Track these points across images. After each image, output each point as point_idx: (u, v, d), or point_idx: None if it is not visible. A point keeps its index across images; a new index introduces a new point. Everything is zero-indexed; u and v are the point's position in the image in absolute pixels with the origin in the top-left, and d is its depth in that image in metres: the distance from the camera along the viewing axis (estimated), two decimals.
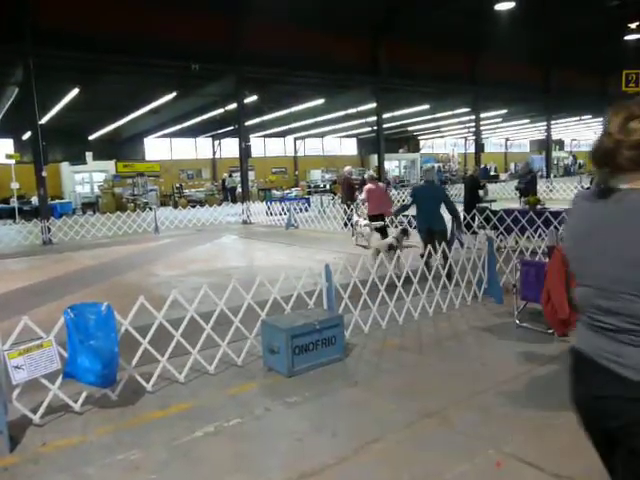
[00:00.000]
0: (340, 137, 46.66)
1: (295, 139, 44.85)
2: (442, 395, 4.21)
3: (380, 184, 13.11)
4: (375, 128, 24.97)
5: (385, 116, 26.33)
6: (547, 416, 3.78)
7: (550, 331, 5.40)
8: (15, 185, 23.72)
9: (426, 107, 29.54)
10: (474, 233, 11.30)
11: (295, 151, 45.63)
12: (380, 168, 24.93)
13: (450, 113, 32.65)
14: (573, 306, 5.14)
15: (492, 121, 38.22)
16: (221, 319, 4.94)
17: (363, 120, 27.60)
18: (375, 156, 32.02)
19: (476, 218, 11.83)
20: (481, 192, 13.13)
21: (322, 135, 44.27)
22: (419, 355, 5.17)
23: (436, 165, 40.66)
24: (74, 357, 3.92)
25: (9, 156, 23.43)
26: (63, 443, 3.70)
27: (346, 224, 15.31)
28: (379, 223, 11.39)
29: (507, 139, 56.47)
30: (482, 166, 34.99)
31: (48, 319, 4.32)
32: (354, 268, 5.94)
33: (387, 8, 20.76)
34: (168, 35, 17.41)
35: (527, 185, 13.36)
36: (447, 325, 6.08)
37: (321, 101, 25.15)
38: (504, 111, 33.80)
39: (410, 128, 41.06)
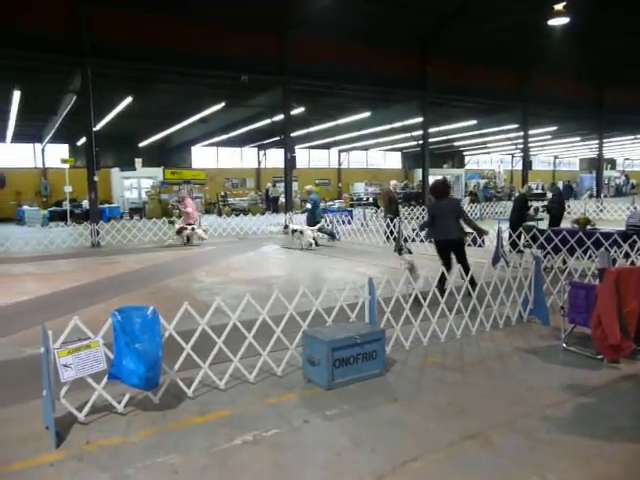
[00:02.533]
0: (384, 150, 46.61)
1: (339, 151, 45.06)
2: (484, 416, 4.10)
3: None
4: (420, 142, 24.82)
5: (431, 130, 26.16)
6: (595, 445, 3.63)
7: (599, 357, 5.20)
8: (68, 189, 24.64)
9: (473, 122, 29.24)
10: (520, 252, 11.04)
11: (339, 163, 45.81)
12: (424, 183, 24.73)
13: (498, 129, 32.20)
14: (625, 332, 4.98)
15: (541, 138, 37.46)
16: (262, 328, 4.95)
17: (408, 134, 27.45)
18: (419, 170, 31.85)
19: (522, 236, 11.59)
20: (531, 211, 12.91)
21: (366, 148, 44.34)
22: (461, 374, 5.05)
23: (481, 181, 40.01)
24: (120, 359, 4.01)
25: (64, 161, 24.37)
26: (106, 442, 3.77)
27: (388, 238, 15.21)
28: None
29: (556, 157, 55.17)
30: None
31: (95, 320, 4.44)
32: (397, 282, 5.87)
33: (435, 23, 20.70)
34: (219, 47, 17.86)
35: (553, 206, 13.34)
36: (491, 345, 5.93)
37: (367, 114, 25.21)
38: (554, 128, 33.10)
39: (456, 143, 40.70)
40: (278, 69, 19.27)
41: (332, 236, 16.65)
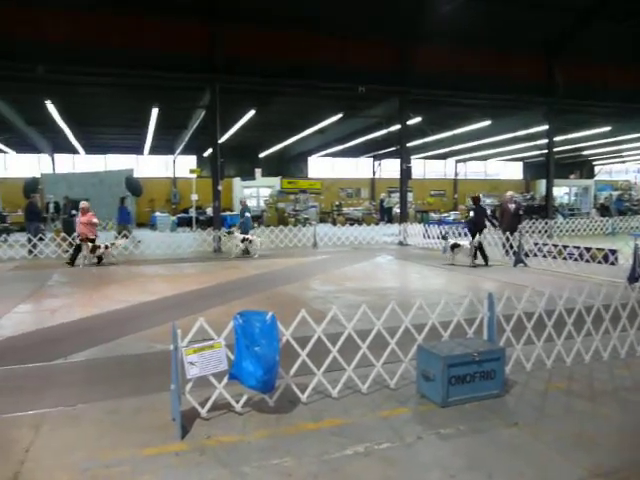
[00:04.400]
0: (504, 160, 44.63)
1: (456, 161, 43.91)
2: (620, 453, 3.73)
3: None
4: (545, 151, 23.45)
5: (557, 139, 24.64)
6: None
7: None
8: (195, 197, 26.42)
9: (606, 129, 27.06)
10: None
11: (456, 174, 44.65)
12: (548, 194, 23.36)
13: (635, 136, 29.54)
14: None
15: None
16: (376, 339, 4.92)
17: (532, 143, 26.08)
18: (542, 181, 30.12)
19: None
20: None
21: (485, 158, 42.77)
22: (591, 403, 4.65)
23: (614, 193, 36.89)
24: (240, 360, 4.18)
25: (192, 171, 26.21)
26: (224, 439, 3.94)
27: (507, 252, 14.51)
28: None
29: None
30: None
31: (217, 321, 4.66)
32: (518, 299, 5.56)
33: (565, 22, 19.52)
34: (338, 59, 18.21)
35: None
36: (626, 373, 5.40)
37: (487, 123, 24.34)
38: None
39: (585, 152, 37.94)
40: (396, 79, 19.23)
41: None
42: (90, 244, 14.10)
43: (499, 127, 26.35)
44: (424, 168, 43.45)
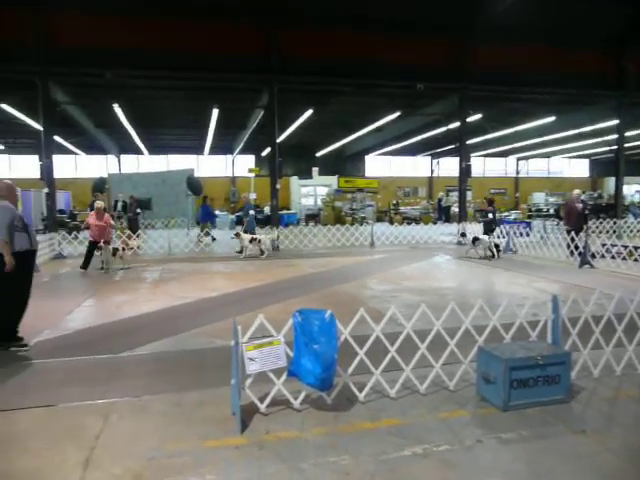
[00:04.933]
0: (569, 157, 42.94)
1: (518, 159, 42.64)
2: None
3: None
4: (615, 147, 22.38)
5: (629, 134, 23.46)
6: None
7: None
8: (253, 195, 26.82)
9: None
10: None
11: (517, 171, 43.39)
12: (617, 192, 22.29)
13: None
14: None
15: None
16: (435, 339, 4.85)
17: (600, 139, 24.94)
18: (611, 179, 28.79)
19: None
20: None
21: (548, 155, 41.33)
22: None
23: None
24: (298, 358, 4.23)
25: (250, 170, 26.62)
26: (283, 435, 3.99)
27: (572, 252, 13.96)
28: None
29: None
30: None
31: (275, 318, 4.72)
32: (585, 302, 5.34)
33: (629, 17, 18.57)
34: (394, 57, 18.05)
35: None
36: None
37: (551, 119, 23.46)
38: None
39: None
40: (454, 76, 18.87)
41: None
42: (111, 247, 13.13)
43: (564, 123, 25.36)
44: (484, 166, 42.46)
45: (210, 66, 16.79)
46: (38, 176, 17.03)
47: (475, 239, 14.92)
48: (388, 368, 4.73)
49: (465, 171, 19.82)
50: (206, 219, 20.82)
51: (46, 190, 16.88)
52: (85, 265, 13.07)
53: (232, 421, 4.15)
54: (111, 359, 5.92)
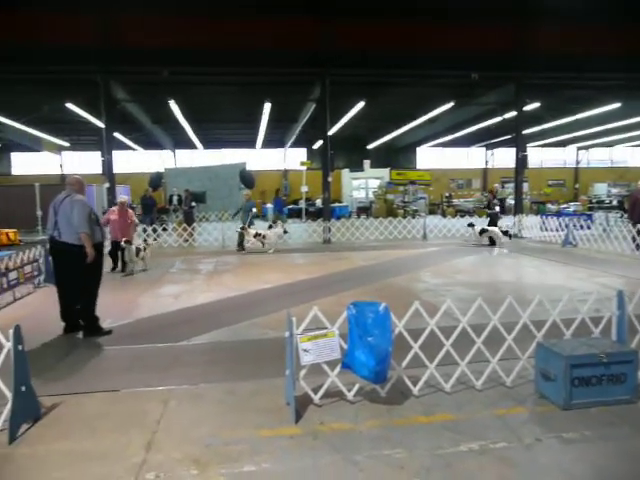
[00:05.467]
0: (633, 146, 40.92)
1: (578, 148, 40.99)
2: None
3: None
4: None
5: None
6: None
7: None
8: (304, 188, 27.03)
9: None
10: None
11: (577, 162, 41.71)
12: None
13: None
14: None
15: None
16: (491, 334, 4.75)
17: None
18: None
19: None
20: None
21: (611, 144, 39.49)
22: None
23: None
24: (352, 350, 4.23)
25: (302, 163, 26.82)
26: (337, 426, 4.01)
27: (638, 246, 13.33)
28: None
29: None
30: None
31: (328, 310, 4.74)
32: None
33: None
34: (448, 47, 17.65)
35: None
36: None
37: (616, 105, 22.34)
38: None
39: None
40: (511, 63, 18.27)
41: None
42: (134, 247, 11.79)
43: (630, 110, 24.15)
44: (541, 156, 41.05)
45: (262, 61, 16.95)
46: (100, 171, 17.70)
47: (483, 230, 15.94)
48: (443, 362, 4.67)
49: (521, 162, 19.25)
50: (278, 211, 21.44)
51: (107, 185, 17.54)
52: (114, 267, 11.86)
53: (286, 411, 4.21)
54: (169, 348, 6.11)
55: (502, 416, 4.15)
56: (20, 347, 3.92)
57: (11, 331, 3.87)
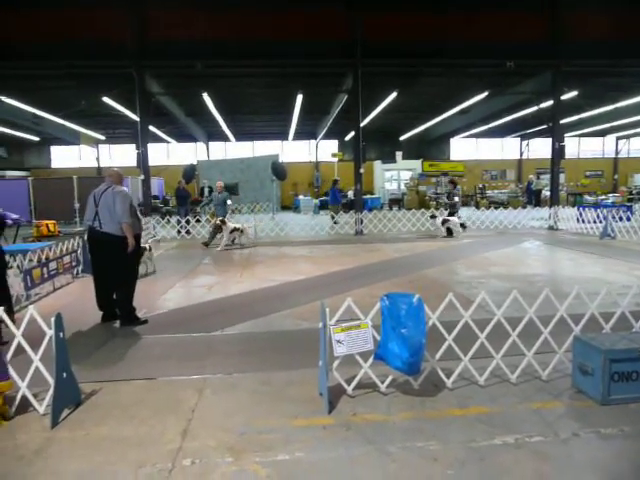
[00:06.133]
0: None
1: (617, 138, 39.78)
2: None
3: None
4: None
5: None
6: None
7: None
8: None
9: None
10: None
11: (616, 152, 40.48)
12: None
13: None
14: None
15: None
16: (526, 327, 4.66)
17: None
18: None
19: None
20: None
21: None
22: None
23: None
24: (386, 342, 4.23)
25: (334, 155, 26.80)
26: (369, 417, 4.02)
27: None
28: None
29: None
30: None
31: (361, 302, 4.75)
32: None
33: None
34: (481, 35, 17.33)
35: None
36: None
37: None
38: None
39: None
40: (548, 51, 17.78)
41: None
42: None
43: None
44: (578, 147, 39.99)
45: (295, 52, 16.93)
46: (134, 164, 18.02)
47: (445, 220, 16.58)
48: (476, 355, 4.62)
49: (558, 152, 18.77)
50: (337, 202, 21.58)
51: (142, 177, 17.86)
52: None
53: (319, 401, 4.24)
54: (203, 337, 6.20)
55: (538, 410, 4.09)
56: (61, 334, 4.04)
57: (53, 319, 4.00)
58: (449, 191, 18.06)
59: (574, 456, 3.46)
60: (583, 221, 17.73)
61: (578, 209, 19.16)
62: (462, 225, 16.84)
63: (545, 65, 18.54)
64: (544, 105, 21.85)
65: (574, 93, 20.87)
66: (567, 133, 30.27)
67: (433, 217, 17.18)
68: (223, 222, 14.68)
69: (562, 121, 20.26)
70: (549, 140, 19.51)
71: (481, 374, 4.55)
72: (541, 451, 3.50)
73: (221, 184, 16.48)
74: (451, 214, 17.18)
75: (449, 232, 16.53)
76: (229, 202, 16.11)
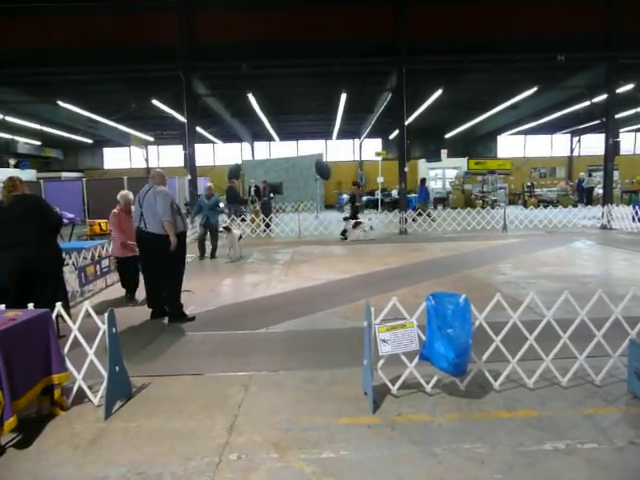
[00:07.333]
0: None
1: None
2: None
3: None
4: None
5: None
6: None
7: None
8: (380, 179, 26.86)
9: None
10: None
11: None
12: None
13: None
14: None
15: None
16: (578, 330, 4.52)
17: None
18: None
19: None
20: None
21: None
22: None
23: None
24: (431, 342, 4.18)
25: (378, 153, 26.61)
26: (415, 418, 3.98)
27: None
28: None
29: None
30: None
31: (405, 301, 4.70)
32: None
33: None
34: (530, 29, 16.85)
35: None
36: None
37: None
38: None
39: None
40: (601, 43, 17.13)
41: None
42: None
43: None
44: (634, 143, 38.36)
45: (339, 51, 16.92)
46: (182, 164, 18.41)
47: (357, 223, 16.19)
48: (525, 357, 4.51)
49: (612, 148, 18.07)
50: (425, 200, 21.52)
51: (189, 177, 18.23)
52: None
53: (364, 400, 4.23)
54: (249, 335, 6.29)
55: (590, 416, 3.95)
56: (114, 329, 4.19)
57: (106, 315, 4.14)
58: (354, 193, 18.12)
59: (630, 466, 3.32)
60: (639, 220, 17.01)
61: (634, 207, 18.39)
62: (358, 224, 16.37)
63: (599, 57, 17.85)
64: (597, 99, 21.07)
65: (630, 86, 20.01)
66: (622, 128, 29.11)
67: (346, 219, 16.68)
68: (228, 229, 12.87)
69: (617, 116, 19.50)
70: (602, 136, 18.81)
71: (530, 377, 4.44)
72: (594, 459, 3.37)
73: (211, 186, 13.41)
74: (354, 216, 16.79)
75: (343, 233, 16.44)
76: (222, 205, 14.04)
